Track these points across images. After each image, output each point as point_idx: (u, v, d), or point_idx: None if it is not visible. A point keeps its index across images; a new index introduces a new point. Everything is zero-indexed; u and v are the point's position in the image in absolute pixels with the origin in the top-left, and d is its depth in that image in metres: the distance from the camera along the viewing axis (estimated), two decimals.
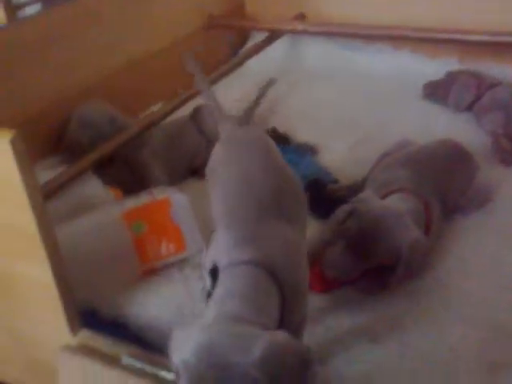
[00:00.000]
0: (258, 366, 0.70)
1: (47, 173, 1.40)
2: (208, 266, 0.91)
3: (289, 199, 0.97)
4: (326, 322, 1.12)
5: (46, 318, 1.03)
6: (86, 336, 1.03)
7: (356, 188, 1.41)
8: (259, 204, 0.94)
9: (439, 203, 1.30)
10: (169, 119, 1.72)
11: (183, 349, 0.74)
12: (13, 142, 0.85)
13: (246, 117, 1.63)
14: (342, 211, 1.18)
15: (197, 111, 1.71)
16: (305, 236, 1.00)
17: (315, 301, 1.13)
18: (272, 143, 1.12)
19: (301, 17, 2.28)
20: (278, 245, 0.88)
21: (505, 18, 1.94)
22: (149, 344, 1.10)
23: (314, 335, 1.06)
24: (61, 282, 0.97)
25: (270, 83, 1.87)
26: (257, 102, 1.72)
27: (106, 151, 1.42)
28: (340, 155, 1.69)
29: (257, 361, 0.70)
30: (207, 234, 1.31)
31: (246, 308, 0.79)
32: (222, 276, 0.84)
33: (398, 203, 1.22)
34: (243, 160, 1.03)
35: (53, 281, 0.96)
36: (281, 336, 0.74)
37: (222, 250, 0.89)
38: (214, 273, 0.87)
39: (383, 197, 1.26)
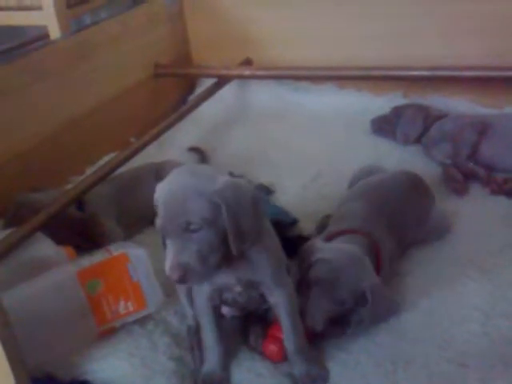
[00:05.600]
0: (218, 192, 0.94)
1: None
2: None
3: None
4: None
5: None
6: None
7: (323, 225, 1.41)
8: None
9: (394, 237, 1.30)
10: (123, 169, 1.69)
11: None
12: None
13: None
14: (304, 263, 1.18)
15: (161, 169, 1.64)
16: None
17: None
18: None
19: (247, 62, 2.31)
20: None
21: (444, 52, 2.02)
22: None
23: None
24: (11, 353, 0.90)
25: None
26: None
27: (53, 210, 1.37)
28: (296, 193, 1.69)
29: (218, 189, 0.94)
30: (169, 287, 1.27)
31: None
32: None
33: (351, 245, 1.21)
34: None
35: (3, 353, 0.89)
36: (237, 179, 1.02)
37: None
38: None
39: (334, 236, 1.26)
